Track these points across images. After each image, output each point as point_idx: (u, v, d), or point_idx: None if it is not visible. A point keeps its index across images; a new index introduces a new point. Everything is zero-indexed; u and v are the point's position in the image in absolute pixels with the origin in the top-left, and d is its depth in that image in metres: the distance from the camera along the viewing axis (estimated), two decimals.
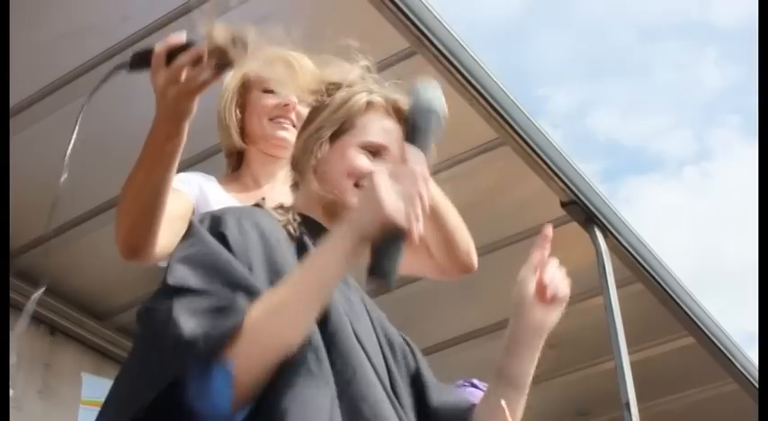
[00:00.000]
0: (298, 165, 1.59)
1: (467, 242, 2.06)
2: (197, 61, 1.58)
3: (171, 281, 1.31)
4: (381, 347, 1.50)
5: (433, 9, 3.31)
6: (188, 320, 1.23)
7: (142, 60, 1.67)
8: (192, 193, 2.13)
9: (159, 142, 1.71)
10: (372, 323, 1.53)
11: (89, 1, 3.31)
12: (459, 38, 3.43)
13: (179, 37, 1.62)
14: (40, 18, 3.32)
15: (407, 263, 2.05)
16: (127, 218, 1.83)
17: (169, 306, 1.26)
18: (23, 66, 3.37)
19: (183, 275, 1.30)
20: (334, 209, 1.54)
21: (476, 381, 3.28)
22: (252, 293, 1.28)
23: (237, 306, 1.26)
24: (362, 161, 1.56)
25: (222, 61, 1.58)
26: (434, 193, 1.93)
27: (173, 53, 1.61)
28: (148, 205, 1.78)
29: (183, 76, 1.59)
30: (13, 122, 3.58)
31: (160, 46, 1.62)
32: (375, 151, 1.57)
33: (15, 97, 3.53)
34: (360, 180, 1.54)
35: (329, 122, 1.58)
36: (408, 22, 3.28)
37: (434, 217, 1.95)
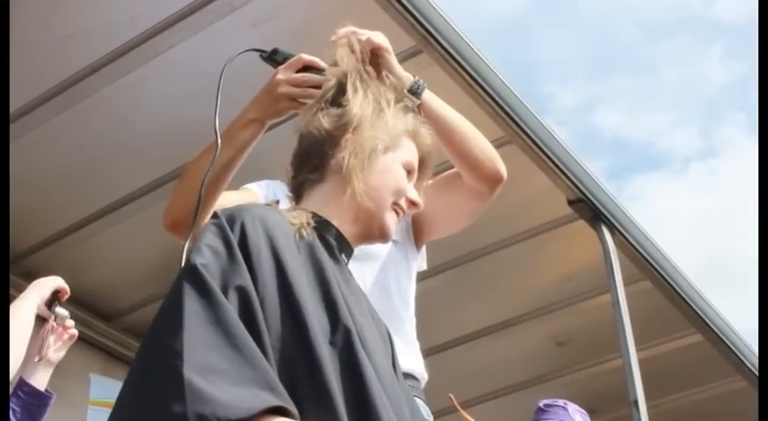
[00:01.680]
0: (343, 169, 1.57)
1: (487, 150, 2.07)
2: (317, 87, 1.75)
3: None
4: (384, 351, 1.53)
5: (438, 7, 3.30)
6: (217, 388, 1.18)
7: (280, 58, 1.87)
8: (261, 194, 2.13)
9: (238, 126, 1.85)
10: (377, 328, 1.55)
11: (95, 2, 3.31)
12: (465, 36, 3.43)
13: (321, 63, 1.82)
14: (46, 19, 3.32)
15: (445, 203, 2.09)
16: (181, 188, 1.89)
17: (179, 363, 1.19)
18: (30, 67, 3.37)
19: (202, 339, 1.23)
20: (365, 217, 1.57)
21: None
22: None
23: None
24: (406, 182, 1.63)
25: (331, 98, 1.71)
26: (437, 107, 1.97)
27: (308, 68, 1.81)
28: (202, 182, 1.84)
29: (302, 88, 1.79)
30: (20, 123, 3.59)
31: (306, 57, 1.82)
32: (409, 172, 1.65)
33: (23, 98, 3.54)
34: (399, 199, 1.61)
35: (389, 135, 1.62)
36: (414, 21, 3.28)
37: (444, 131, 1.97)
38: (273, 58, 1.89)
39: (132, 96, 3.65)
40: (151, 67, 3.51)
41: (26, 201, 3.81)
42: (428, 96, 1.93)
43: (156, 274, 4.19)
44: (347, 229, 1.57)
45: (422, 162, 1.69)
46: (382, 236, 1.61)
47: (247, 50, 1.89)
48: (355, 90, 1.65)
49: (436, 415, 2.32)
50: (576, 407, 3.34)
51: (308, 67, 1.81)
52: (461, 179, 2.07)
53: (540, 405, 3.37)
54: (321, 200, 1.58)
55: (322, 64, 1.80)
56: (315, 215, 1.54)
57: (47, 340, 2.58)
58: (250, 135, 1.86)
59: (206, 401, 1.15)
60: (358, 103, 1.63)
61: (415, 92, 1.87)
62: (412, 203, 1.64)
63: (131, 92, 3.63)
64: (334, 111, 1.64)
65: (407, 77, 1.89)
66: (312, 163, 1.61)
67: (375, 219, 1.58)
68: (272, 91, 1.83)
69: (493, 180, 2.07)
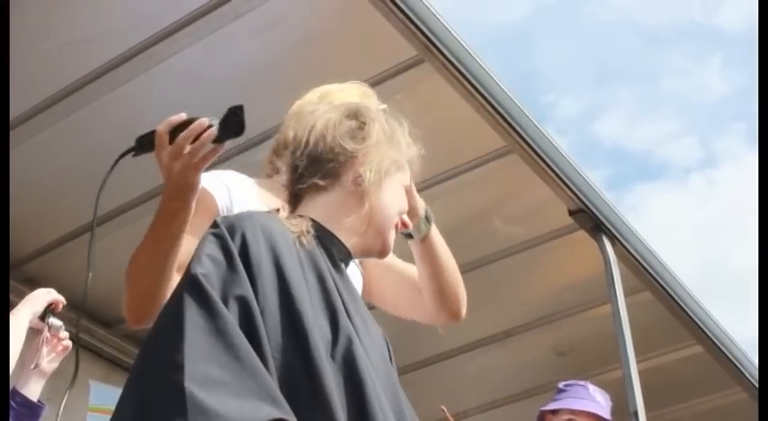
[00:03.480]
0: (365, 183, 1.58)
1: (460, 292, 2.08)
2: (198, 137, 1.65)
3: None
4: (384, 357, 1.52)
5: (440, 17, 3.31)
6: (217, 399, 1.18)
7: (146, 143, 1.73)
8: (220, 204, 2.05)
9: (167, 219, 1.74)
10: (376, 334, 1.55)
11: (97, 9, 3.31)
12: (467, 45, 3.43)
13: (179, 116, 1.67)
14: (48, 26, 3.33)
15: (397, 300, 2.10)
16: (133, 289, 1.82)
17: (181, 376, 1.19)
18: (29, 74, 3.37)
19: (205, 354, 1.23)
20: (374, 233, 1.59)
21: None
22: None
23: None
24: (407, 203, 1.68)
25: (222, 135, 1.65)
26: (437, 240, 1.99)
27: (175, 131, 1.67)
28: (154, 281, 1.77)
29: (186, 150, 1.65)
30: (21, 129, 3.59)
31: (162, 126, 1.68)
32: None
33: (25, 104, 3.53)
34: (398, 219, 1.65)
35: (401, 157, 1.66)
36: (416, 30, 3.28)
37: (434, 264, 1.99)
38: (142, 145, 1.76)
39: (134, 104, 3.65)
40: (153, 75, 3.51)
41: (26, 208, 3.80)
42: (432, 225, 1.98)
43: None
44: (353, 241, 1.57)
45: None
46: (383, 251, 1.63)
47: (119, 159, 1.79)
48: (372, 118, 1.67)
49: None
50: (596, 387, 3.31)
51: (176, 129, 1.68)
52: (419, 296, 2.07)
53: (560, 385, 3.35)
54: (328, 208, 1.58)
55: (184, 116, 1.69)
56: (314, 222, 1.54)
57: (41, 350, 2.58)
58: (182, 221, 1.75)
59: (207, 414, 1.15)
60: (378, 121, 1.65)
61: (428, 218, 1.93)
62: (403, 224, 1.69)
63: (133, 99, 3.63)
64: (351, 122, 1.63)
65: (421, 204, 1.93)
66: (324, 168, 1.59)
67: (382, 235, 1.61)
68: (171, 177, 1.70)
69: (453, 317, 2.10)
